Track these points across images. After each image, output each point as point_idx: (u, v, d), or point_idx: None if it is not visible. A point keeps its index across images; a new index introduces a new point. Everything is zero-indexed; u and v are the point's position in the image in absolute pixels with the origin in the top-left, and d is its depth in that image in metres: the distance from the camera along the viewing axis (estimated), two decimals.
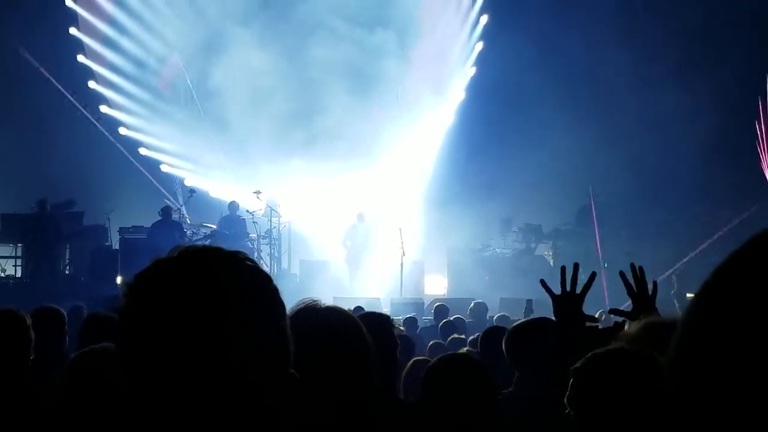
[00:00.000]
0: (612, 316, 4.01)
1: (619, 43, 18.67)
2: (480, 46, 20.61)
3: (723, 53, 18.48)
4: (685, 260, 16.63)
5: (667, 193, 18.67)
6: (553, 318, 3.54)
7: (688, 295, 16.35)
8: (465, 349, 6.50)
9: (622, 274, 3.58)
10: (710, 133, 18.02)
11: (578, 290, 3.40)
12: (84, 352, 3.21)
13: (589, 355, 2.27)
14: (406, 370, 4.59)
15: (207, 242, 16.90)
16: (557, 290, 3.42)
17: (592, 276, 3.45)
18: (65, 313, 5.68)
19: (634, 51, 18.72)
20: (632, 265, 3.62)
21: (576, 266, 3.41)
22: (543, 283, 3.51)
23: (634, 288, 3.57)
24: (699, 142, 17.87)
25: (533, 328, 4.02)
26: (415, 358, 4.95)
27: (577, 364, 2.29)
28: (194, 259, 1.35)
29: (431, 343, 7.63)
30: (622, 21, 18.92)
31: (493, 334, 5.23)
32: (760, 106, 19.33)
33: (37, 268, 16.13)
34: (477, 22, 20.64)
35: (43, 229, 15.78)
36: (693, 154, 18.01)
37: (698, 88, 17.53)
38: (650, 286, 3.60)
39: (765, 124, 19.48)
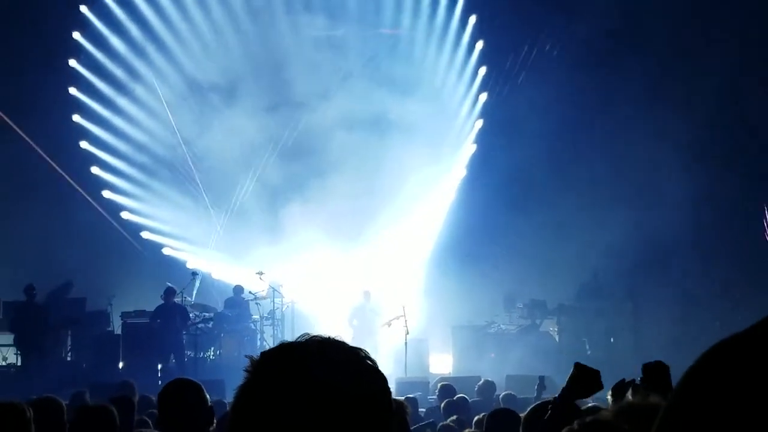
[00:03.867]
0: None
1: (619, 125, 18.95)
2: (480, 123, 20.80)
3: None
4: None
5: (671, 265, 18.64)
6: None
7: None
8: (468, 430, 6.39)
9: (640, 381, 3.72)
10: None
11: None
12: None
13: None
14: None
15: (210, 325, 16.85)
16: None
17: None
18: (64, 403, 5.60)
19: (638, 129, 18.92)
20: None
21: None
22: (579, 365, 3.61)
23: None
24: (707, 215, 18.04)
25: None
26: None
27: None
28: (321, 348, 1.38)
29: (440, 425, 7.44)
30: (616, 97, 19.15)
31: (499, 416, 5.15)
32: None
33: (27, 357, 15.97)
34: (477, 99, 20.86)
35: (33, 318, 15.68)
36: (695, 225, 18.10)
37: (706, 169, 17.75)
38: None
39: None
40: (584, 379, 3.51)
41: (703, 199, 18.04)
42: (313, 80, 19.83)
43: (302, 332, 1.45)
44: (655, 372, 3.72)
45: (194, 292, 18.40)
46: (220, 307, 17.77)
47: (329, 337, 1.41)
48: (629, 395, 3.76)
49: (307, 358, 1.35)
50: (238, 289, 17.84)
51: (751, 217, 19.17)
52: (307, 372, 1.32)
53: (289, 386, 1.31)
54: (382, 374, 1.40)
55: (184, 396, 3.89)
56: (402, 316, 16.34)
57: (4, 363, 16.97)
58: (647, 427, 1.00)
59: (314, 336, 1.41)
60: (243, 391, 1.36)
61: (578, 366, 3.57)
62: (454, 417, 8.06)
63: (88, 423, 4.59)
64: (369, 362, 1.39)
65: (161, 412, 3.99)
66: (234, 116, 19.56)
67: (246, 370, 1.37)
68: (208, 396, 3.96)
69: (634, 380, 3.89)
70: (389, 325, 17.18)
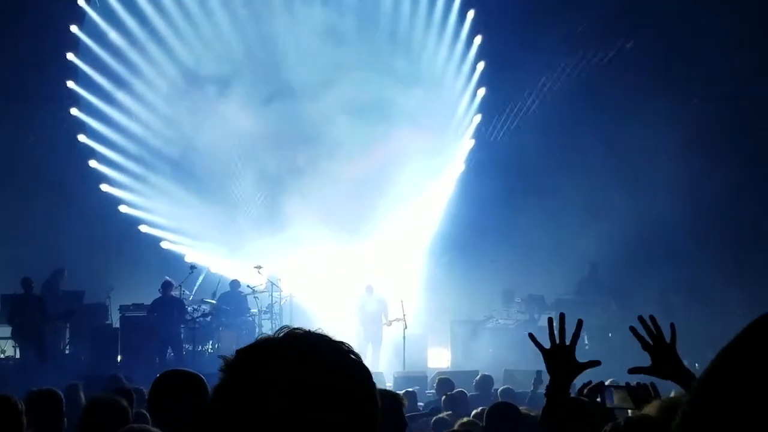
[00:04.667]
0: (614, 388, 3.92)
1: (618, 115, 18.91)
2: (478, 118, 20.77)
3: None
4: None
5: (670, 257, 18.62)
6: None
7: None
8: (465, 419, 6.38)
9: (633, 329, 3.38)
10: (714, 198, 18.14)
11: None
12: None
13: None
14: None
15: (208, 319, 16.84)
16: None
17: (579, 324, 3.31)
18: (62, 395, 5.61)
19: (636, 123, 18.89)
20: (640, 318, 3.43)
21: (562, 317, 3.30)
22: (531, 336, 3.41)
23: (649, 341, 3.37)
24: (703, 206, 17.99)
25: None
26: None
27: None
28: (299, 343, 1.31)
29: (434, 419, 7.45)
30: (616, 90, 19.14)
31: (498, 411, 5.15)
32: None
33: (25, 350, 15.98)
34: (474, 94, 20.82)
35: (30, 311, 15.69)
36: (694, 217, 18.09)
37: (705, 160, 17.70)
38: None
39: None
40: (555, 361, 3.29)
41: (704, 189, 18.00)
42: (310, 70, 19.79)
43: (299, 326, 1.38)
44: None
45: (195, 287, 18.39)
46: (217, 302, 17.75)
47: (309, 331, 1.35)
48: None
49: (286, 353, 1.28)
50: (235, 284, 17.84)
51: (753, 203, 19.06)
52: (285, 369, 1.26)
53: (266, 385, 1.25)
54: (366, 368, 1.35)
55: (176, 388, 3.85)
56: (402, 317, 16.34)
57: (2, 356, 16.99)
58: None
59: (294, 329, 1.35)
60: (218, 392, 1.29)
61: (544, 352, 3.32)
62: (450, 412, 8.08)
63: (101, 415, 4.59)
64: (352, 356, 1.34)
65: (151, 404, 3.94)
66: (231, 107, 19.48)
67: (221, 370, 1.31)
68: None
69: (602, 382, 3.79)
70: (389, 324, 17.20)
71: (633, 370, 3.37)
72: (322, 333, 1.35)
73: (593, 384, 3.86)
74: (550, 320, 3.35)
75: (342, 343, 1.35)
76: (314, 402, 1.23)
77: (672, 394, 4.01)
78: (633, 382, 3.71)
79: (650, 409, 2.00)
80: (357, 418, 1.27)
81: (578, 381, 3.50)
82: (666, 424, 2.09)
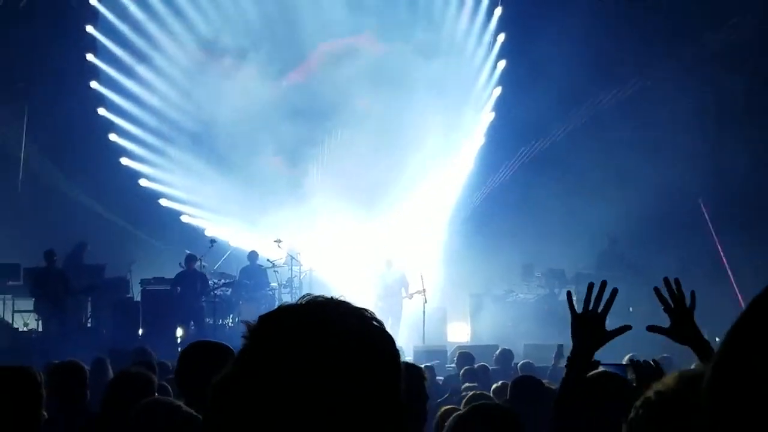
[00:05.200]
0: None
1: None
2: (498, 90, 20.63)
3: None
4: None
5: (690, 231, 18.48)
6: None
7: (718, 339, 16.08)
8: (477, 392, 6.36)
9: (656, 290, 3.41)
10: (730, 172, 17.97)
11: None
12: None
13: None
14: (435, 419, 4.50)
15: (228, 292, 16.91)
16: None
17: (613, 293, 3.29)
18: (86, 368, 5.65)
19: (658, 89, 18.73)
20: (666, 279, 3.46)
21: (590, 286, 3.30)
22: (569, 296, 3.41)
23: (671, 303, 3.40)
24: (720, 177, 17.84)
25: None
26: (445, 407, 4.85)
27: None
28: (321, 309, 1.31)
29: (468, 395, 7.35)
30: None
31: (522, 383, 5.14)
32: None
33: (47, 323, 16.11)
34: (495, 66, 20.67)
35: (52, 284, 15.80)
36: (713, 189, 17.95)
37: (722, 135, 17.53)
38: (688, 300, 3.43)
39: None
40: (584, 327, 3.29)
41: (729, 161, 17.85)
42: (330, 41, 19.72)
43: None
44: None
45: (220, 261, 18.42)
46: (237, 275, 17.82)
47: (332, 298, 1.34)
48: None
49: (307, 320, 1.28)
50: (253, 255, 17.86)
51: None
52: (307, 335, 1.26)
53: (288, 350, 1.25)
54: (389, 335, 1.33)
55: (204, 358, 3.83)
56: (423, 290, 16.33)
57: (25, 328, 17.13)
58: None
59: (316, 297, 1.35)
60: (240, 358, 1.30)
61: (575, 317, 3.33)
62: (475, 384, 8.08)
63: (128, 388, 4.62)
64: (375, 323, 1.33)
65: (179, 374, 3.95)
66: (250, 79, 19.46)
67: (243, 336, 1.32)
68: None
69: (597, 361, 3.72)
70: (411, 297, 17.21)
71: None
72: (344, 300, 1.34)
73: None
74: (569, 293, 3.35)
75: (364, 309, 1.34)
76: (336, 368, 1.23)
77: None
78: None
79: (669, 380, 1.96)
80: (379, 385, 1.27)
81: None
82: (686, 397, 2.06)
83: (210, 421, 1.30)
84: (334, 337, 1.26)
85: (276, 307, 1.35)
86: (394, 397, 1.29)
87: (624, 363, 4.03)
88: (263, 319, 1.33)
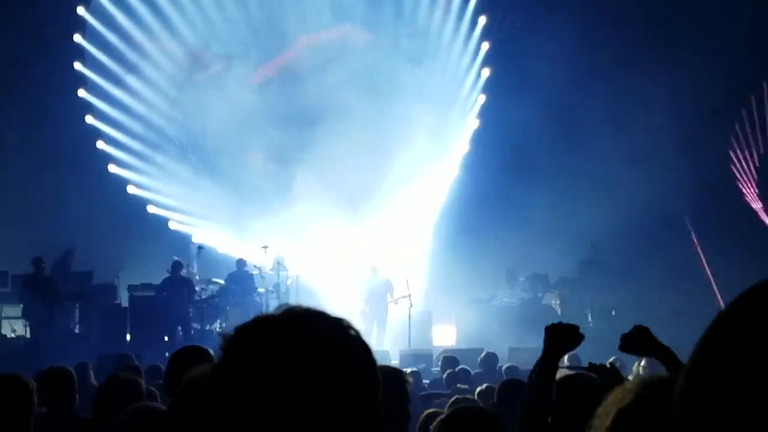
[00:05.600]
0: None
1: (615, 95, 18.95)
2: (483, 98, 20.79)
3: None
4: None
5: (671, 239, 18.71)
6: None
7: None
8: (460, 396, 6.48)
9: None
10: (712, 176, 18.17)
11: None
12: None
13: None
14: (419, 423, 4.60)
15: (216, 299, 17.00)
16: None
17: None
18: (74, 373, 5.74)
19: (640, 96, 18.91)
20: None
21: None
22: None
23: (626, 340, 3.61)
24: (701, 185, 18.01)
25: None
26: (428, 411, 4.97)
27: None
28: (298, 319, 1.31)
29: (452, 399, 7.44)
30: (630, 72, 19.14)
31: (510, 386, 5.25)
32: None
33: (35, 330, 16.14)
34: (479, 74, 20.82)
35: (41, 290, 15.85)
36: (694, 196, 18.15)
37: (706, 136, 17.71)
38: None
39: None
40: (559, 337, 3.53)
41: (709, 171, 18.03)
42: (316, 47, 19.84)
43: (304, 305, 1.37)
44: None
45: (195, 266, 18.43)
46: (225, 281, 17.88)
47: (309, 308, 1.33)
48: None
49: (284, 330, 1.28)
50: (241, 263, 17.94)
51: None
52: (283, 345, 1.25)
53: (264, 361, 1.24)
54: (366, 344, 1.34)
55: (193, 364, 3.93)
56: (408, 295, 16.44)
57: (14, 335, 17.15)
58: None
59: (293, 307, 1.34)
60: (217, 370, 1.29)
61: (548, 328, 3.57)
62: (466, 386, 8.18)
63: (117, 393, 4.70)
64: (352, 332, 1.32)
65: (167, 379, 4.00)
66: (236, 85, 19.54)
67: (220, 347, 1.31)
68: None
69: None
70: (396, 302, 17.33)
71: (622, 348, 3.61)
72: (321, 310, 1.34)
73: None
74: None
75: (341, 319, 1.33)
76: (312, 377, 1.23)
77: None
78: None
79: (630, 385, 2.03)
80: (356, 393, 1.27)
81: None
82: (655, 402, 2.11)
83: (192, 427, 1.36)
84: (311, 345, 1.26)
85: (252, 318, 1.36)
86: (371, 405, 1.29)
87: (584, 366, 4.17)
88: (239, 329, 1.32)
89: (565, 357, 11.00)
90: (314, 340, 1.27)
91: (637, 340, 3.53)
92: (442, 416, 3.73)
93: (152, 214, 20.23)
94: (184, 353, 4.11)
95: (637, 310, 17.78)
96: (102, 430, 4.58)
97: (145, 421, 3.22)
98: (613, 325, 17.01)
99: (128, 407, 3.72)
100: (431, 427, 4.01)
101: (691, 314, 15.50)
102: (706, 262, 18.03)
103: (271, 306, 17.57)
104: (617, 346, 3.60)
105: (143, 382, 4.98)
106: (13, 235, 18.05)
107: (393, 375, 3.68)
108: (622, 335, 3.60)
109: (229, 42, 20.33)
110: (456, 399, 5.63)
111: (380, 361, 1.47)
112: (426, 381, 11.45)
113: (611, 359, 5.12)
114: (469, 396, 6.40)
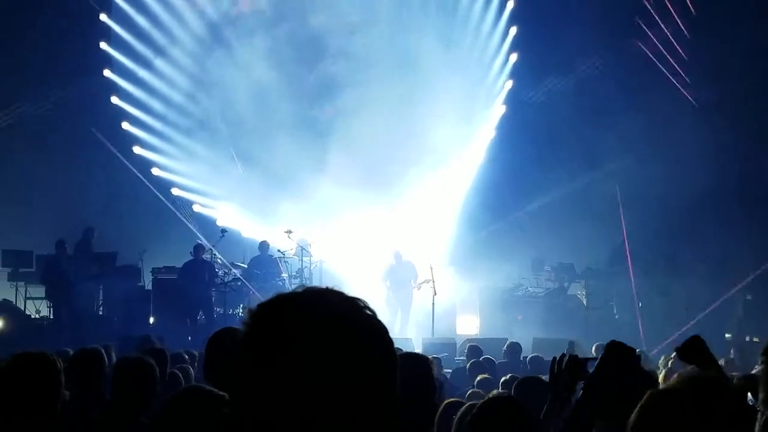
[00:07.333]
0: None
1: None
2: (510, 84, 20.59)
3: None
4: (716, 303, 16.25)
5: (702, 229, 18.43)
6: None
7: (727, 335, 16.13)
8: (495, 391, 6.40)
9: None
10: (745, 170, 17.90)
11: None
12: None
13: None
14: (439, 412, 4.51)
15: (239, 283, 16.97)
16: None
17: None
18: (104, 355, 5.73)
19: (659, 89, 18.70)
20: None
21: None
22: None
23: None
24: (734, 178, 17.75)
25: None
26: (448, 400, 4.87)
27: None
28: (315, 298, 1.37)
29: (470, 391, 7.33)
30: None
31: (528, 385, 5.19)
32: None
33: (58, 311, 16.21)
34: (507, 60, 20.63)
35: (64, 272, 15.89)
36: (727, 189, 17.88)
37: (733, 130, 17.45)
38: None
39: None
40: (618, 359, 3.16)
41: (741, 157, 17.78)
42: (341, 25, 19.74)
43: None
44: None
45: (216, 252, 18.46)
46: (248, 265, 17.84)
47: (327, 288, 1.41)
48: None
49: (302, 308, 1.34)
50: (264, 246, 17.85)
51: None
52: (301, 322, 1.31)
53: (283, 338, 1.30)
54: (381, 324, 1.38)
55: (233, 344, 3.85)
56: (431, 279, 16.31)
57: (37, 315, 17.24)
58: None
59: (312, 287, 1.41)
60: (240, 345, 1.35)
61: (611, 346, 3.20)
62: (486, 376, 8.11)
63: (130, 374, 4.69)
64: (368, 312, 1.38)
65: (207, 360, 4.02)
66: (261, 66, 19.47)
67: (243, 323, 1.37)
68: None
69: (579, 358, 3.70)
70: (419, 288, 17.21)
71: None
72: (339, 290, 1.40)
73: (572, 358, 3.41)
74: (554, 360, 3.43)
75: (357, 298, 1.39)
76: (328, 355, 1.29)
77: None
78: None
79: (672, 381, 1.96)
80: (372, 371, 1.32)
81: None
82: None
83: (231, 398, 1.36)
84: (328, 320, 1.31)
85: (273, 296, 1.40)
86: (387, 383, 1.34)
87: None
88: (262, 305, 1.37)
89: (593, 346, 10.83)
90: (330, 317, 1.32)
91: (693, 350, 3.62)
92: (476, 405, 3.64)
93: (176, 196, 20.18)
94: (223, 334, 4.11)
95: (664, 302, 17.60)
96: (120, 410, 4.58)
97: (195, 402, 3.19)
98: (639, 317, 16.88)
99: (179, 390, 3.67)
100: (456, 415, 3.91)
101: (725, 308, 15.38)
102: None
103: None
104: (674, 351, 3.73)
105: (154, 363, 4.90)
106: (39, 216, 18.12)
107: (417, 361, 3.60)
108: (677, 347, 3.73)
109: (251, 17, 20.20)
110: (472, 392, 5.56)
111: (402, 348, 1.40)
112: (448, 370, 11.37)
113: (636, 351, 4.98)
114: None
